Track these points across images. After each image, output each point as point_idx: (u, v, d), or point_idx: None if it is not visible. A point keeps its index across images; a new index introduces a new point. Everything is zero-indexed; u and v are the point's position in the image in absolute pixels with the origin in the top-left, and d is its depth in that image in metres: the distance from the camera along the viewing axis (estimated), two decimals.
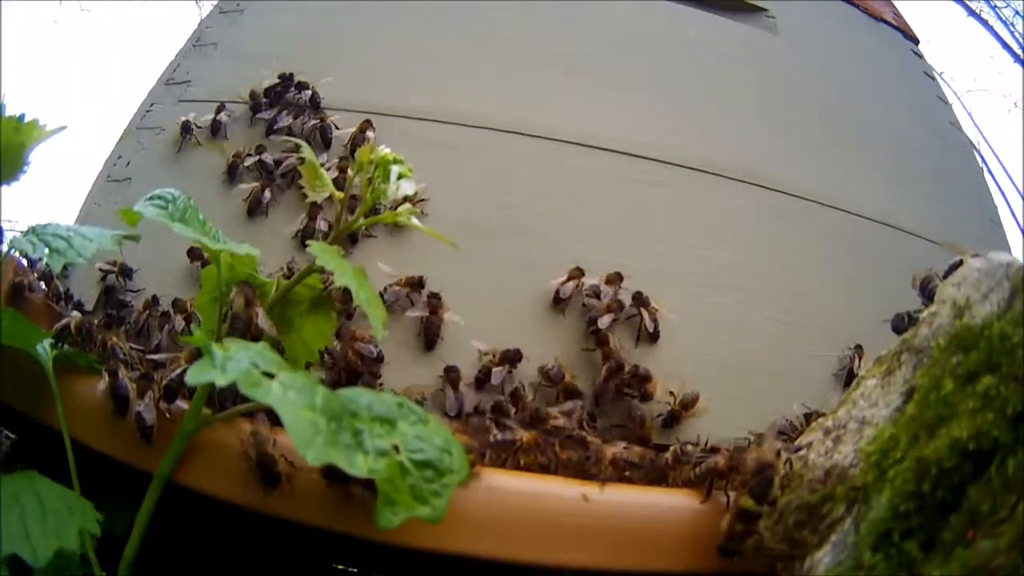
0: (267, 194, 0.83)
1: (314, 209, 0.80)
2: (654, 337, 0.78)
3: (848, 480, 0.51)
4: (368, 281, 0.57)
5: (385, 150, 0.58)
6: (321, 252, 0.54)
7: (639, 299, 0.77)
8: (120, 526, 0.55)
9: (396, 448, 0.49)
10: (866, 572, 0.45)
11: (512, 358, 0.72)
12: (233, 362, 0.47)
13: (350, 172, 0.59)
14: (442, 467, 0.49)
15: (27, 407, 0.63)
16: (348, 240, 0.79)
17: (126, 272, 0.79)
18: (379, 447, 0.48)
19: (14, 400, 0.64)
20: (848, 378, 0.82)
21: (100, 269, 0.79)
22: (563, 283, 0.78)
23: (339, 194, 0.60)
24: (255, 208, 0.82)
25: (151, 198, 0.58)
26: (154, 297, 0.76)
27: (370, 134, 0.86)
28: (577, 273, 0.78)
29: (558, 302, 0.78)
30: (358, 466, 0.45)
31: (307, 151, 0.62)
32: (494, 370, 0.71)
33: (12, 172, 0.56)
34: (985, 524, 0.40)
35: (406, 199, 0.66)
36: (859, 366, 0.81)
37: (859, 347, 0.82)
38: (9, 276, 0.72)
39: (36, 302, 0.74)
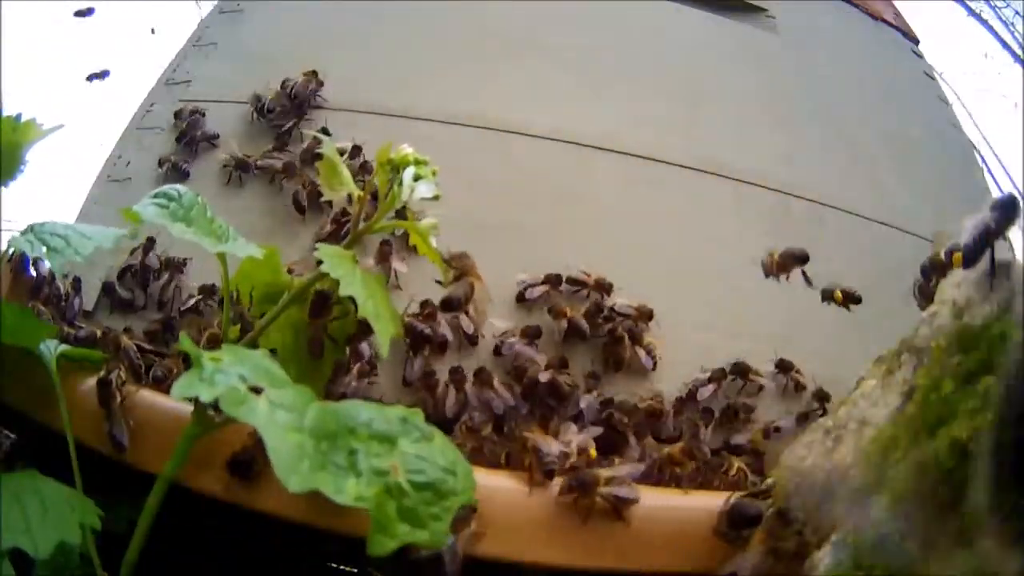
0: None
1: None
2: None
3: (848, 480, 0.51)
4: (385, 291, 0.54)
5: (407, 150, 0.55)
6: (330, 257, 0.51)
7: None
8: (121, 524, 0.55)
9: (395, 468, 0.46)
10: (866, 572, 0.45)
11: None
12: (222, 375, 0.45)
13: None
14: (444, 489, 0.47)
15: (28, 407, 0.63)
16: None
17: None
18: (376, 467, 0.45)
19: (15, 400, 0.64)
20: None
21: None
22: (534, 285, 0.77)
23: (359, 192, 0.57)
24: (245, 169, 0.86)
25: (155, 196, 0.56)
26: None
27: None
28: (554, 278, 0.77)
29: (521, 300, 0.77)
30: (346, 492, 0.43)
31: (328, 146, 0.58)
32: None
33: (10, 171, 0.56)
34: (985, 524, 0.40)
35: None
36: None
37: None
38: (9, 276, 0.72)
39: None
